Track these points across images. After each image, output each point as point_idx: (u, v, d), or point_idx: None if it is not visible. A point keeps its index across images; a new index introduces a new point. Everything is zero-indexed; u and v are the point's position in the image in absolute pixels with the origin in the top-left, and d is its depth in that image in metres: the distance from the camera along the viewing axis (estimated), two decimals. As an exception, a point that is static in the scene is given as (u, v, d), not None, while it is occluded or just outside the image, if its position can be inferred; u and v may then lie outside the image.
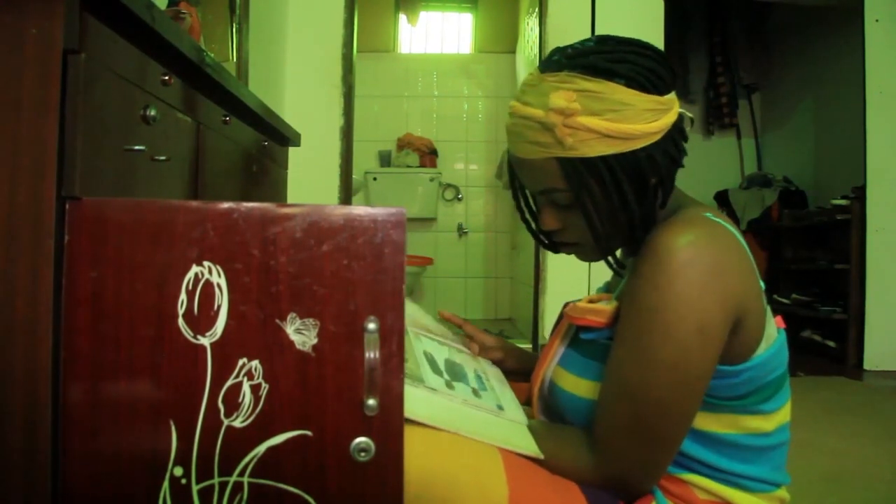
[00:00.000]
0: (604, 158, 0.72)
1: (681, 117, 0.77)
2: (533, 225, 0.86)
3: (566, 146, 0.72)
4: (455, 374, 0.86)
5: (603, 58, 0.73)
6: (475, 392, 0.82)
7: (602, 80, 0.71)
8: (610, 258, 0.85)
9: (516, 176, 0.84)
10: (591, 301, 0.81)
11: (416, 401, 0.70)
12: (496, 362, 1.02)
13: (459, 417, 0.73)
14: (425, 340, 0.93)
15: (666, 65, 0.75)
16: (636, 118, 0.72)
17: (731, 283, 0.69)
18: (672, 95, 0.75)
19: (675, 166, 0.77)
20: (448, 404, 0.75)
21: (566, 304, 0.86)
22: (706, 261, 0.68)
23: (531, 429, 0.79)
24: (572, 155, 0.73)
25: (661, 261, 0.68)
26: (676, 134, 0.76)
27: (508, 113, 0.78)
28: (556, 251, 0.87)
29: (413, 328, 0.96)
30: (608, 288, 0.92)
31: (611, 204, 0.75)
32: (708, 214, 0.74)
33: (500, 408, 0.81)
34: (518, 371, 1.02)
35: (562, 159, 0.73)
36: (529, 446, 0.73)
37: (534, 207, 0.86)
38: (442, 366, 0.87)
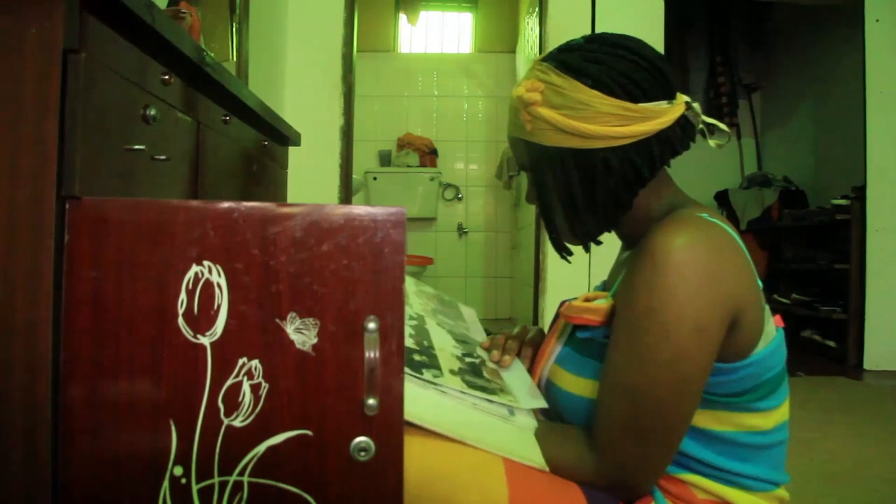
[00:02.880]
0: (558, 150, 0.76)
1: (673, 128, 0.75)
2: None
3: (527, 131, 0.78)
4: (473, 368, 0.84)
5: (580, 56, 0.76)
6: (486, 390, 0.80)
7: (569, 76, 0.75)
8: (564, 252, 0.88)
9: None
10: (587, 299, 0.81)
11: (425, 406, 0.70)
12: None
13: (466, 424, 0.72)
14: (440, 330, 0.93)
15: (655, 74, 0.74)
16: (594, 119, 0.73)
17: (727, 282, 0.69)
18: (656, 105, 0.74)
19: (638, 176, 0.76)
20: (457, 407, 0.74)
21: (562, 303, 0.86)
22: (702, 261, 0.68)
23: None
24: (533, 140, 0.78)
25: (658, 262, 0.68)
26: (657, 144, 0.75)
27: None
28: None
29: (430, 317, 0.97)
30: (604, 286, 0.92)
31: (558, 194, 0.80)
32: (704, 215, 0.74)
33: (511, 412, 0.79)
34: None
35: (526, 142, 0.80)
36: (535, 458, 0.72)
37: None
38: (459, 351, 0.86)
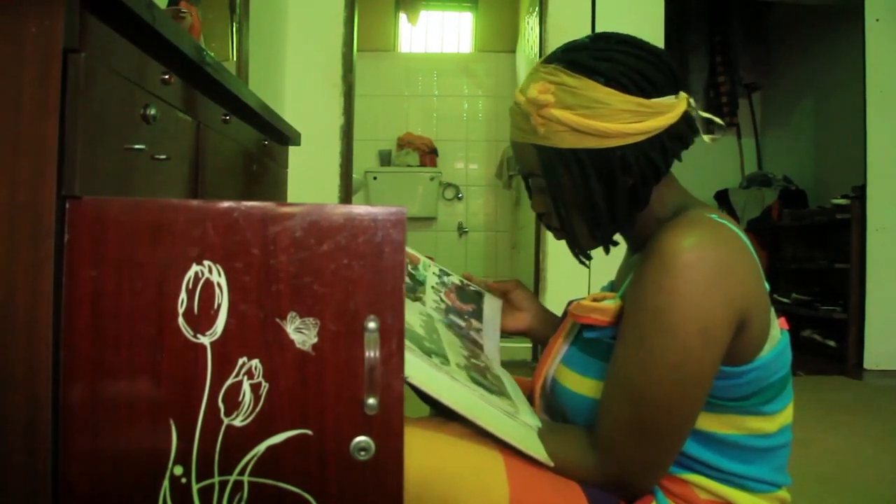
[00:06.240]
0: (574, 151, 0.75)
1: (680, 123, 0.76)
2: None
3: (539, 135, 0.76)
4: (478, 369, 0.85)
5: (589, 55, 0.75)
6: (489, 391, 0.81)
7: (582, 76, 0.74)
8: (583, 256, 0.86)
9: None
10: (594, 300, 0.81)
11: (440, 385, 0.69)
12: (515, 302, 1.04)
13: (478, 408, 0.72)
14: (448, 332, 0.93)
15: (663, 68, 0.75)
16: (611, 117, 0.73)
17: (735, 284, 0.68)
18: (666, 100, 0.74)
19: (656, 172, 0.76)
20: (467, 393, 0.74)
21: (570, 303, 0.86)
22: (711, 262, 0.68)
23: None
24: (546, 144, 0.77)
25: (666, 262, 0.68)
26: (668, 139, 0.75)
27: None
28: (551, 232, 0.89)
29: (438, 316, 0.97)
30: (612, 287, 0.92)
31: (576, 197, 0.78)
32: (713, 216, 0.74)
33: (516, 409, 0.80)
34: (533, 329, 1.03)
35: (537, 146, 0.78)
36: (541, 452, 0.72)
37: None
38: (465, 358, 0.86)
